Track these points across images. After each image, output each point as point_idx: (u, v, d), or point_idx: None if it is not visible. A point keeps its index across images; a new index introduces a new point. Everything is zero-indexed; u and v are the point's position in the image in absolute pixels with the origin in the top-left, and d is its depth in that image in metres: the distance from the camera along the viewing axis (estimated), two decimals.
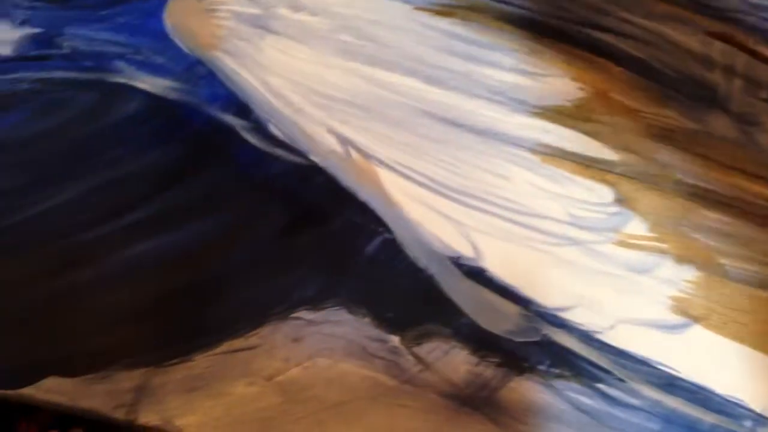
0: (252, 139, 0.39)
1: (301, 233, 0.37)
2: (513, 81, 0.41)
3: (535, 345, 0.35)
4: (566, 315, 0.36)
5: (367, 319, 0.35)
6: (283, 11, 0.43)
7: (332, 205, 0.38)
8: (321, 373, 0.34)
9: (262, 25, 0.42)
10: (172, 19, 0.42)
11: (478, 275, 0.37)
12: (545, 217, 0.38)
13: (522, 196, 0.38)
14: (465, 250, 0.37)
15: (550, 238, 0.37)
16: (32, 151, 0.38)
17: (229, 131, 0.39)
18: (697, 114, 0.40)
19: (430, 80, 0.41)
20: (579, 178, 0.39)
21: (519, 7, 0.44)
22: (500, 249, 0.37)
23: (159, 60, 0.41)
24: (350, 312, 0.36)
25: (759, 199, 0.38)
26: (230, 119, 0.39)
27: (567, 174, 0.39)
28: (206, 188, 0.38)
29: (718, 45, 0.42)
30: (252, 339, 0.35)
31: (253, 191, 0.38)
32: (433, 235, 0.37)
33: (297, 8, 0.43)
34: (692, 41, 0.42)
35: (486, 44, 0.42)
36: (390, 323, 0.36)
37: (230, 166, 0.38)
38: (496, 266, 0.37)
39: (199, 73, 0.40)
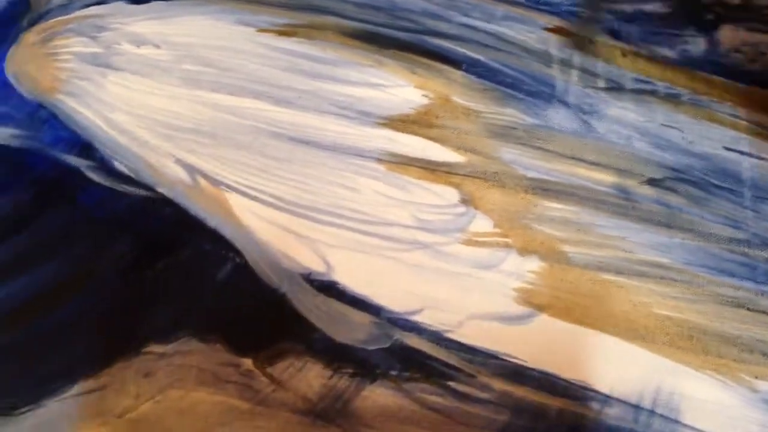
0: (97, 177, 0.39)
1: (149, 267, 0.37)
2: (359, 94, 0.42)
3: (387, 351, 0.36)
4: (416, 318, 0.36)
5: (218, 345, 0.36)
6: (126, 47, 0.43)
7: (180, 235, 0.38)
8: (173, 405, 0.34)
9: (103, 63, 0.42)
10: (13, 67, 0.42)
11: (329, 289, 0.37)
12: (393, 224, 0.39)
13: (370, 206, 0.39)
14: (316, 266, 0.38)
15: (399, 245, 0.38)
16: None
17: (74, 173, 0.39)
18: (537, 109, 0.42)
19: (276, 101, 0.42)
20: (425, 183, 0.40)
21: (361, 21, 0.45)
22: (351, 260, 0.38)
23: (1, 109, 0.40)
24: (201, 340, 0.36)
25: (597, 185, 0.39)
26: (74, 160, 0.39)
27: (413, 180, 0.40)
28: (52, 232, 0.38)
29: (555, 40, 0.44)
30: (102, 378, 0.35)
31: (99, 230, 0.38)
32: (284, 253, 0.38)
33: (139, 42, 0.43)
34: (530, 39, 0.44)
35: (331, 60, 0.43)
36: (242, 347, 0.36)
37: (76, 207, 0.38)
38: (347, 278, 0.37)
39: (42, 117, 0.40)
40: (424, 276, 0.37)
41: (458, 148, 0.41)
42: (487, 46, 0.44)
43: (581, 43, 0.43)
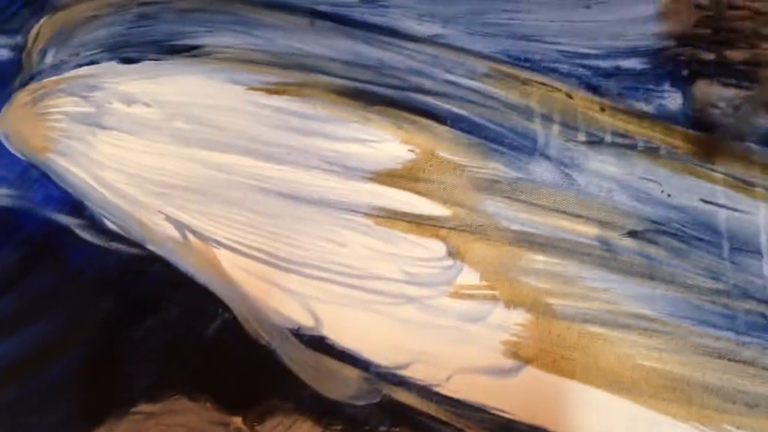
0: (86, 235, 0.40)
1: (138, 325, 0.37)
2: (347, 150, 0.43)
3: (376, 406, 0.36)
4: (404, 372, 0.37)
5: (208, 404, 0.36)
6: (117, 106, 0.44)
7: (169, 292, 0.38)
8: None
9: (94, 122, 0.43)
10: (4, 127, 0.43)
11: (318, 344, 0.38)
12: (381, 278, 0.39)
13: (358, 260, 0.40)
14: (305, 321, 0.38)
15: (387, 299, 0.39)
16: None
17: (64, 231, 0.40)
18: (520, 162, 0.43)
19: (266, 157, 0.43)
20: (412, 236, 0.40)
21: (348, 78, 0.46)
22: (340, 315, 0.38)
23: None
24: (191, 399, 0.36)
25: (580, 237, 0.40)
26: (64, 219, 0.40)
27: (401, 234, 0.41)
28: (41, 291, 0.38)
29: (537, 95, 0.45)
30: None
31: (87, 289, 0.38)
32: (273, 309, 0.38)
33: (130, 101, 0.44)
34: (512, 94, 0.45)
35: (320, 117, 0.44)
36: (232, 404, 0.36)
37: (64, 265, 0.39)
38: (335, 333, 0.38)
39: (33, 177, 0.41)
40: (413, 330, 0.38)
41: (444, 201, 0.42)
42: (470, 101, 0.45)
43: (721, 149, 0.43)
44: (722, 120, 0.43)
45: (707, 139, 0.42)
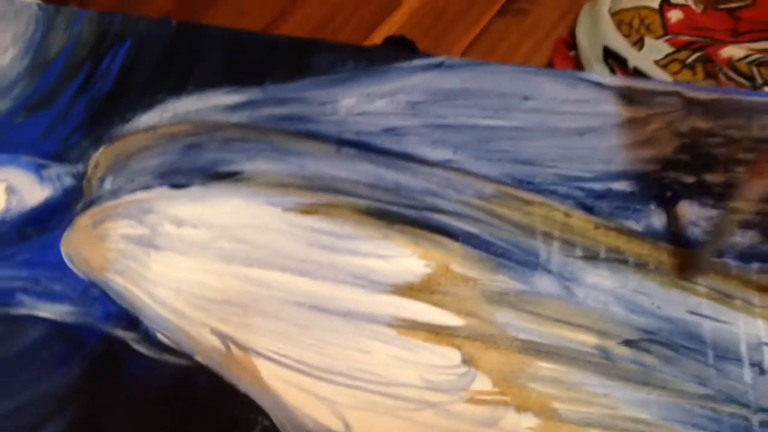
0: (142, 349, 0.45)
1: None
2: (370, 265, 0.49)
3: None
4: None
5: None
6: (168, 228, 0.50)
7: (216, 401, 0.43)
8: None
9: (148, 243, 0.49)
10: (67, 249, 0.48)
11: None
12: (404, 385, 0.44)
13: (383, 368, 0.44)
14: (335, 426, 0.42)
15: (409, 404, 0.43)
16: None
17: (122, 345, 0.44)
18: (525, 276, 0.48)
19: (300, 273, 0.48)
20: (430, 345, 0.45)
21: (372, 199, 0.52)
22: (367, 420, 0.43)
23: (57, 287, 0.46)
24: None
25: (581, 345, 0.45)
26: (122, 333, 0.45)
27: (420, 342, 0.45)
28: (103, 402, 0.43)
29: (538, 214, 0.51)
30: None
31: (143, 397, 0.43)
32: (307, 415, 0.43)
33: (180, 224, 0.50)
34: (516, 214, 0.51)
35: (346, 235, 0.50)
36: None
37: (122, 376, 0.43)
38: None
39: (93, 295, 0.46)
40: None
41: (458, 312, 0.47)
42: (479, 220, 0.51)
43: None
44: (702, 237, 0.49)
45: (689, 255, 0.48)
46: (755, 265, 0.47)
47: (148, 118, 0.56)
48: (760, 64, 0.89)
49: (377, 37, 0.97)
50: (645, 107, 0.56)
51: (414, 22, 0.98)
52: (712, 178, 0.52)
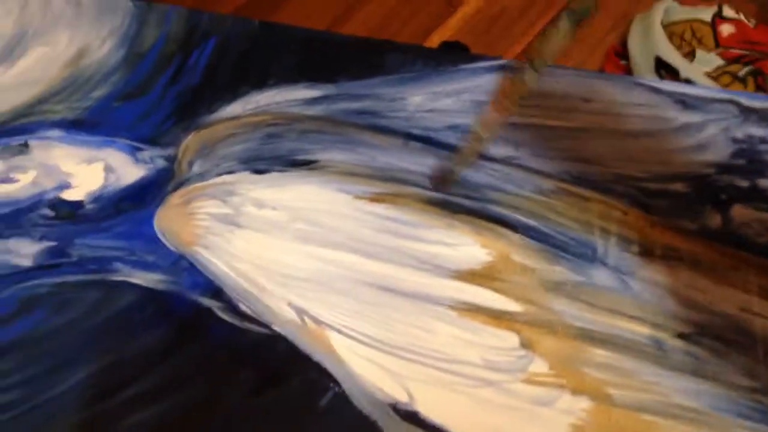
0: (225, 317, 0.49)
1: (267, 394, 0.46)
2: (434, 251, 0.52)
3: None
4: None
5: None
6: (250, 209, 0.54)
7: (292, 367, 0.47)
8: None
9: (233, 222, 0.53)
10: (160, 224, 0.53)
11: (412, 418, 0.45)
12: (465, 363, 0.47)
13: (445, 346, 0.48)
14: (401, 397, 0.46)
15: (469, 381, 0.46)
16: (50, 344, 0.47)
17: (207, 312, 0.49)
18: (582, 268, 0.51)
19: (369, 255, 0.52)
20: (491, 328, 0.48)
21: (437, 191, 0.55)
22: (430, 393, 0.46)
23: (150, 258, 0.51)
24: None
25: (636, 335, 0.48)
26: (208, 302, 0.49)
27: (481, 325, 0.49)
28: (189, 363, 0.47)
29: (596, 210, 0.54)
30: None
31: (225, 361, 0.47)
32: (375, 385, 0.46)
33: (261, 205, 0.54)
34: (573, 210, 0.54)
35: (412, 222, 0.54)
36: None
37: (208, 341, 0.48)
38: (427, 408, 0.45)
39: (183, 266, 0.51)
40: (491, 409, 0.45)
41: (517, 298, 0.50)
42: (538, 214, 0.54)
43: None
44: (755, 239, 0.51)
45: (441, 174, 0.53)
46: None
47: (232, 109, 0.60)
48: None
49: (432, 42, 1.01)
50: (701, 113, 0.58)
51: (468, 28, 1.01)
52: (766, 183, 0.54)
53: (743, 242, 0.51)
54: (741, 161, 0.55)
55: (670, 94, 0.59)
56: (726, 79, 0.83)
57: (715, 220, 0.52)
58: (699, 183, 0.54)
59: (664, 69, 0.84)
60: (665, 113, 0.59)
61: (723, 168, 0.55)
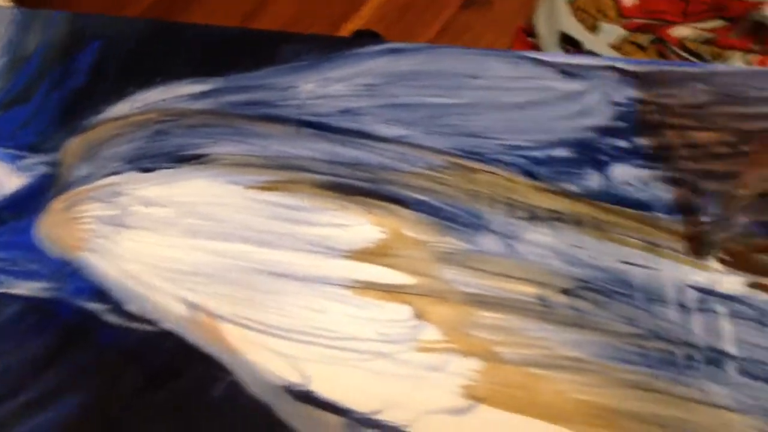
0: (112, 319, 0.48)
1: (157, 391, 0.45)
2: (327, 234, 0.52)
3: None
4: (379, 416, 0.44)
5: None
6: (137, 208, 0.53)
7: (182, 362, 0.46)
8: None
9: (119, 222, 0.53)
10: (42, 231, 0.52)
11: (306, 397, 0.45)
12: (358, 339, 0.47)
13: (339, 324, 0.48)
14: (294, 378, 0.46)
15: (363, 356, 0.47)
16: None
17: (93, 316, 0.48)
18: (471, 237, 0.52)
19: (260, 243, 0.52)
20: (384, 303, 0.49)
21: (329, 175, 0.56)
22: (324, 372, 0.46)
23: (33, 267, 0.50)
24: None
25: (522, 296, 0.49)
26: (93, 305, 0.48)
27: (374, 301, 0.49)
28: (76, 367, 0.46)
29: (484, 181, 0.55)
30: None
31: (114, 362, 0.46)
32: (268, 370, 0.46)
33: (148, 204, 0.54)
34: (463, 183, 0.55)
35: (305, 207, 0.54)
36: None
37: (95, 344, 0.47)
38: (321, 387, 0.46)
39: (67, 272, 0.50)
40: (385, 380, 0.46)
41: (409, 272, 0.50)
42: (429, 189, 0.54)
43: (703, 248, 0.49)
44: (635, 195, 0.52)
45: (699, 237, 0.50)
46: (681, 217, 0.51)
47: (118, 109, 0.60)
48: (708, 42, 0.94)
49: (345, 32, 1.02)
50: (583, 80, 0.60)
51: (380, 16, 1.02)
52: (644, 142, 0.55)
53: (623, 199, 0.52)
54: (621, 123, 0.57)
55: (553, 65, 0.61)
56: (629, 48, 0.86)
57: (596, 180, 0.54)
58: (581, 147, 0.55)
59: (568, 43, 0.87)
60: (549, 83, 0.60)
61: (604, 131, 0.56)
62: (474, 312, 0.48)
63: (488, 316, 0.48)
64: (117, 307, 0.48)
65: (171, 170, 0.55)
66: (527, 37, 0.90)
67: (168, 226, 0.52)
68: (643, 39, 0.86)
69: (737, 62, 0.87)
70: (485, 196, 0.54)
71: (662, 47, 0.83)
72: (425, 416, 0.44)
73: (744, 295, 0.47)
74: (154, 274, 0.50)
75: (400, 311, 0.48)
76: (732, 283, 0.47)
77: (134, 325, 0.47)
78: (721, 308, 0.46)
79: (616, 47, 0.87)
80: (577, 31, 0.85)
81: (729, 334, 0.45)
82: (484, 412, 0.44)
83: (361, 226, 0.53)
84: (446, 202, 0.54)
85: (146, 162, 0.56)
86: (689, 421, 0.42)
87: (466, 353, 0.46)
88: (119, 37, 0.64)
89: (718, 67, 0.59)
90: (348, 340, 0.47)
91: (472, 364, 0.46)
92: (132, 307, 0.48)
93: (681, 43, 0.86)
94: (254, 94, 0.60)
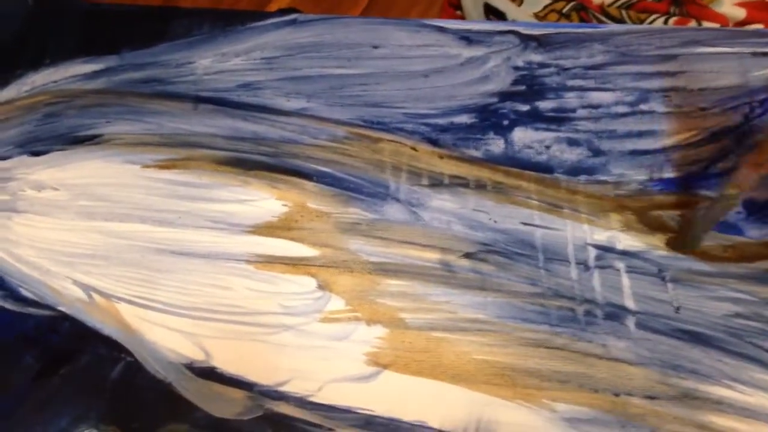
0: (6, 305, 0.46)
1: (54, 374, 0.43)
2: (230, 210, 0.51)
3: (260, 419, 0.43)
4: (283, 388, 0.44)
5: None
6: (28, 192, 0.51)
7: (79, 344, 0.45)
8: None
9: (9, 207, 0.50)
10: None
11: (209, 374, 0.44)
12: (263, 313, 0.47)
13: (242, 300, 0.47)
14: (196, 356, 0.45)
15: (267, 329, 0.46)
16: None
17: None
18: (376, 206, 0.52)
19: (159, 223, 0.50)
20: (288, 276, 0.48)
21: (229, 150, 0.54)
22: (227, 348, 0.45)
23: None
24: (100, 431, 0.42)
25: (425, 262, 0.49)
26: None
27: (278, 274, 0.48)
28: None
29: (387, 150, 0.55)
30: None
31: (10, 347, 0.44)
32: (169, 348, 0.45)
33: (40, 187, 0.51)
34: (366, 153, 0.54)
35: (205, 184, 0.52)
36: (136, 431, 0.42)
37: None
38: (223, 362, 0.45)
39: None
40: (289, 352, 0.45)
41: (314, 244, 0.50)
42: (332, 161, 0.54)
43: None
44: (535, 158, 0.53)
45: (684, 232, 0.49)
46: (582, 177, 0.52)
47: (6, 94, 0.57)
48: (628, 7, 0.96)
49: (270, 9, 0.99)
50: (484, 46, 0.60)
51: None
52: (544, 104, 0.56)
53: (525, 162, 0.53)
54: (521, 87, 0.57)
55: (455, 32, 0.61)
56: (553, 17, 0.87)
57: (498, 145, 0.54)
58: (483, 113, 0.56)
59: (493, 14, 0.87)
60: (451, 51, 0.60)
61: (505, 95, 0.57)
62: (379, 280, 0.48)
63: (393, 283, 0.48)
64: (12, 293, 0.46)
65: (64, 152, 0.53)
66: (455, 11, 0.90)
67: (62, 210, 0.50)
68: (566, 7, 0.87)
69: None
70: (389, 165, 0.54)
71: (585, 14, 0.85)
72: (330, 385, 0.44)
73: (641, 251, 0.48)
74: (49, 258, 0.48)
75: (305, 283, 0.48)
76: (630, 239, 0.49)
77: (29, 309, 0.46)
78: (620, 264, 0.48)
79: (539, 17, 0.88)
80: (502, 2, 0.86)
81: (627, 290, 0.47)
82: (388, 377, 0.44)
83: (264, 200, 0.52)
84: (350, 173, 0.53)
85: (38, 145, 0.53)
86: (590, 375, 0.43)
87: (371, 321, 0.46)
88: (2, 18, 0.61)
89: (615, 27, 0.60)
90: (252, 314, 0.47)
91: (377, 332, 0.46)
92: (27, 293, 0.46)
93: (602, 9, 0.88)
94: (149, 71, 0.58)
